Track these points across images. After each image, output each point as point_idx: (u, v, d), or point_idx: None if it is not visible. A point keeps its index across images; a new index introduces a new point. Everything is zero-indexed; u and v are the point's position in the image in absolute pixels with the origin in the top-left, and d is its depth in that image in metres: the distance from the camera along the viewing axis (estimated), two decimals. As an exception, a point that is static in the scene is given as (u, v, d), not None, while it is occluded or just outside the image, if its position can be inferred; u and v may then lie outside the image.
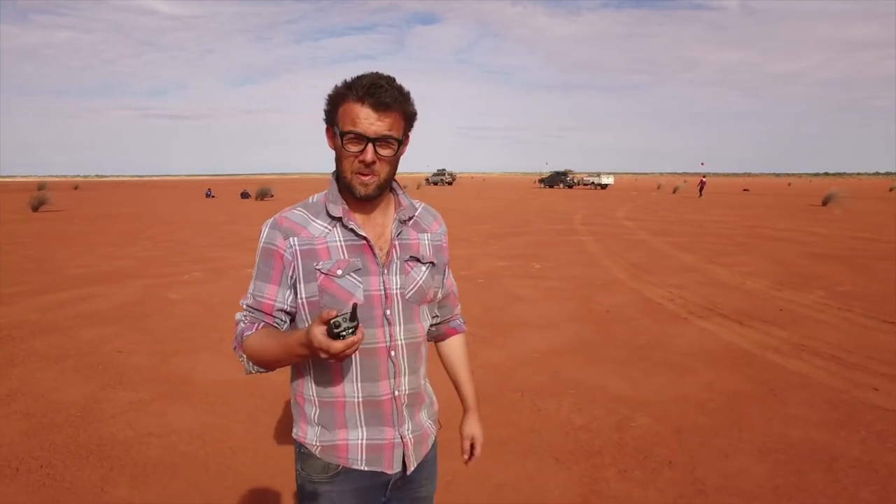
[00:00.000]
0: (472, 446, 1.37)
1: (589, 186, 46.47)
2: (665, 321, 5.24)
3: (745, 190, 47.25)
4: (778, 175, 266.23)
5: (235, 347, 1.15)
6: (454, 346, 1.39)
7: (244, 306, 1.16)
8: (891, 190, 44.70)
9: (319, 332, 0.91)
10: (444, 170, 56.87)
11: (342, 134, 1.07)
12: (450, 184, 55.25)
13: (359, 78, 1.07)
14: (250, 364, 1.12)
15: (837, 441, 2.92)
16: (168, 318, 5.37)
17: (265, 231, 1.15)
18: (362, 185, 1.09)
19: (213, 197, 31.38)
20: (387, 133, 1.07)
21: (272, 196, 29.43)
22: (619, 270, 7.93)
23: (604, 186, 45.43)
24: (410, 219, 1.21)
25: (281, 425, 3.08)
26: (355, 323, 0.90)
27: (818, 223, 15.64)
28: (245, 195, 29.80)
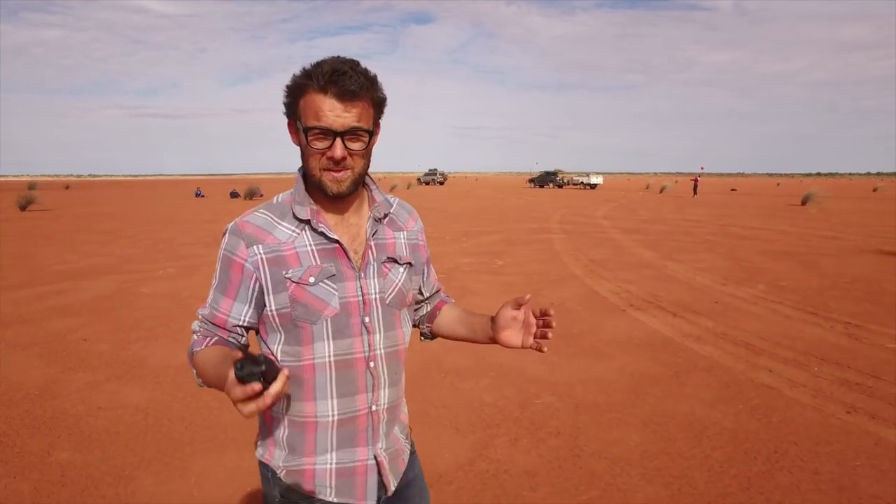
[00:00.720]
0: (544, 314, 1.08)
1: (578, 186, 46.94)
2: (603, 313, 5.59)
3: (732, 190, 47.78)
4: (771, 175, 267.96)
5: (189, 358, 1.06)
6: (449, 308, 1.28)
7: (200, 316, 1.07)
8: (874, 190, 45.35)
9: (230, 377, 0.76)
10: (435, 169, 57.24)
11: (306, 130, 0.97)
12: (441, 183, 55.60)
13: (318, 65, 0.96)
14: (199, 379, 1.02)
15: (714, 414, 3.27)
16: (136, 310, 5.68)
17: (226, 237, 1.04)
18: (334, 182, 0.99)
19: (202, 196, 31.61)
20: (356, 125, 0.96)
21: (261, 195, 29.67)
22: (578, 266, 8.29)
23: (593, 186, 45.88)
24: (386, 216, 1.12)
25: (218, 400, 3.40)
26: (261, 368, 0.74)
27: (788, 222, 16.05)
28: (234, 195, 30.05)
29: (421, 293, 1.23)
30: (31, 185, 35.77)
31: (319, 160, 0.98)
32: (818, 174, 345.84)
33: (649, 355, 4.30)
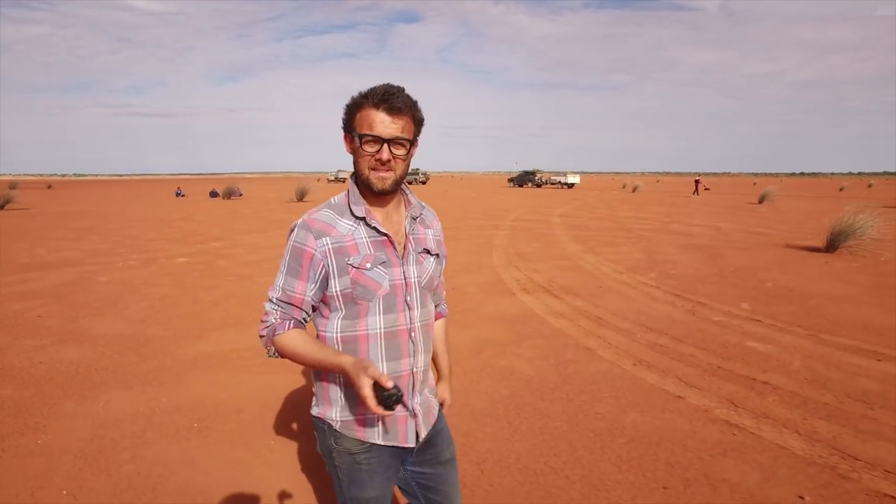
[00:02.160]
0: (442, 405, 1.57)
1: (556, 185, 47.94)
2: (494, 295, 6.49)
3: (706, 189, 49.05)
4: (757, 175, 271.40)
5: (263, 336, 1.31)
6: (437, 327, 1.59)
7: (273, 299, 1.32)
8: (840, 189, 46.76)
9: (368, 387, 1.11)
10: (417, 169, 58.00)
11: (360, 136, 1.23)
12: (423, 183, 56.39)
13: (373, 88, 1.23)
14: (275, 354, 1.31)
15: (526, 365, 4.17)
16: (90, 294, 6.49)
17: (296, 231, 1.30)
18: (380, 180, 1.26)
19: (183, 196, 32.11)
20: (399, 135, 1.23)
21: (241, 195, 30.31)
22: (501, 258, 9.19)
23: (570, 185, 46.91)
24: (419, 216, 1.40)
25: (139, 356, 4.24)
26: (400, 394, 1.11)
27: (731, 219, 17.06)
28: (214, 194, 30.61)
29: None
30: (13, 185, 36.09)
31: (369, 161, 1.25)
32: (801, 174, 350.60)
33: (507, 327, 5.20)
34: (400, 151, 1.25)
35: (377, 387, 1.11)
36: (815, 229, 13.98)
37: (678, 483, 2.63)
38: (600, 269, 8.20)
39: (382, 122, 1.22)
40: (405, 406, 1.29)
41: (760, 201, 26.76)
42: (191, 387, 3.72)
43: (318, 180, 65.00)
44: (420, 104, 1.29)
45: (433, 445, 1.44)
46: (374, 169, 1.26)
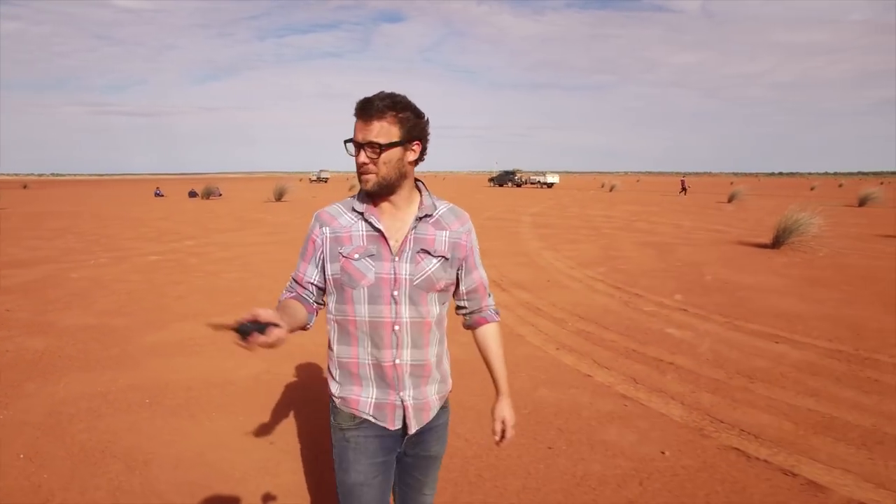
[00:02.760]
0: (504, 428, 1.55)
1: (535, 185, 48.57)
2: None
3: (686, 188, 49.95)
4: (738, 174, 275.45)
5: (277, 305, 1.43)
6: (487, 335, 1.59)
7: (292, 277, 1.48)
8: (811, 189, 47.99)
9: (235, 321, 1.10)
10: (398, 169, 58.43)
11: (346, 143, 1.35)
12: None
13: (362, 98, 1.32)
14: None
15: (459, 350, 4.54)
16: (60, 289, 6.76)
17: (312, 221, 1.45)
18: (363, 181, 1.35)
19: (162, 196, 32.09)
20: (372, 139, 1.30)
21: (220, 195, 30.38)
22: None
23: (549, 185, 47.55)
24: (429, 217, 1.42)
25: (101, 344, 4.56)
26: (250, 327, 1.08)
27: (695, 217, 17.68)
28: (192, 194, 30.65)
29: (459, 287, 1.52)
30: (-12, 185, 35.71)
31: (356, 165, 1.35)
32: (780, 174, 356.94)
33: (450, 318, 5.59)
34: (373, 154, 1.32)
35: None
36: (771, 227, 14.62)
37: (563, 444, 3.05)
38: (554, 265, 8.64)
39: (359, 129, 1.32)
40: (255, 329, 1.09)
41: (730, 200, 27.52)
42: (147, 370, 4.07)
43: (301, 180, 64.78)
44: (403, 101, 1.35)
45: (422, 441, 1.50)
46: (358, 172, 1.36)
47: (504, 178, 50.07)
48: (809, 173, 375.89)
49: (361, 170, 1.34)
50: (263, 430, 3.15)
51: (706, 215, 18.82)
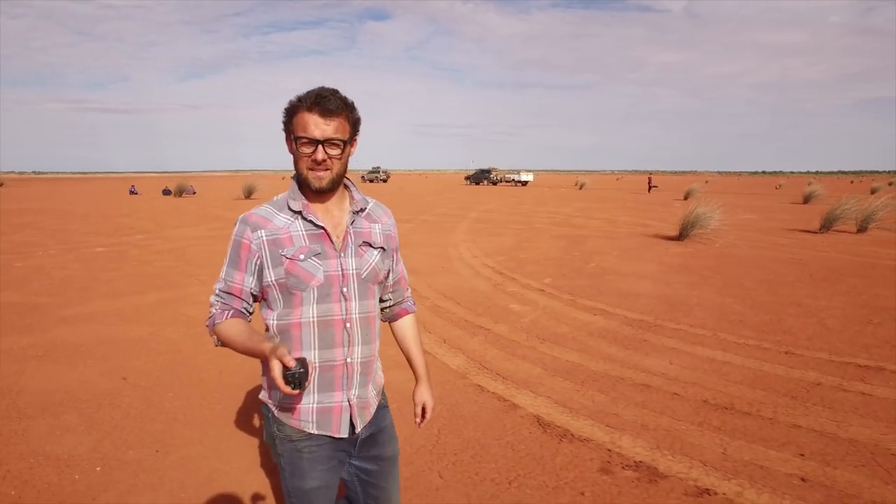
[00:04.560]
0: (424, 411, 1.58)
1: (510, 183, 49.56)
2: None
3: (654, 187, 51.26)
4: (721, 173, 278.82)
5: (208, 327, 1.38)
6: (406, 325, 1.62)
7: (217, 290, 1.39)
8: (777, 187, 49.44)
9: (277, 368, 1.14)
10: (378, 167, 59.29)
11: (296, 138, 1.31)
12: (384, 181, 57.53)
13: (308, 92, 1.30)
14: (219, 343, 1.38)
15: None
16: (1, 276, 7.58)
17: (237, 226, 1.37)
18: (317, 178, 1.33)
19: (136, 193, 32.64)
20: (333, 136, 1.30)
21: (194, 193, 31.02)
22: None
23: (524, 183, 48.60)
24: (362, 210, 1.44)
25: (21, 317, 5.40)
26: (304, 371, 1.15)
27: (637, 214, 18.68)
28: (167, 192, 31.24)
29: (386, 279, 1.53)
30: (-37, 182, 36.01)
31: (306, 162, 1.31)
32: (763, 172, 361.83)
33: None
34: (334, 151, 1.32)
35: (286, 369, 1.15)
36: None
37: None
38: (461, 255, 9.58)
39: (316, 125, 1.29)
40: (304, 385, 1.19)
41: (685, 198, 28.63)
42: (50, 334, 4.93)
43: (283, 178, 65.21)
44: (356, 104, 1.36)
45: (376, 442, 1.49)
46: (311, 169, 1.33)
47: (480, 177, 51.03)
48: (791, 172, 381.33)
49: (318, 167, 1.33)
50: (124, 372, 4.03)
51: (649, 211, 19.85)
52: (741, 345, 4.76)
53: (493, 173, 50.90)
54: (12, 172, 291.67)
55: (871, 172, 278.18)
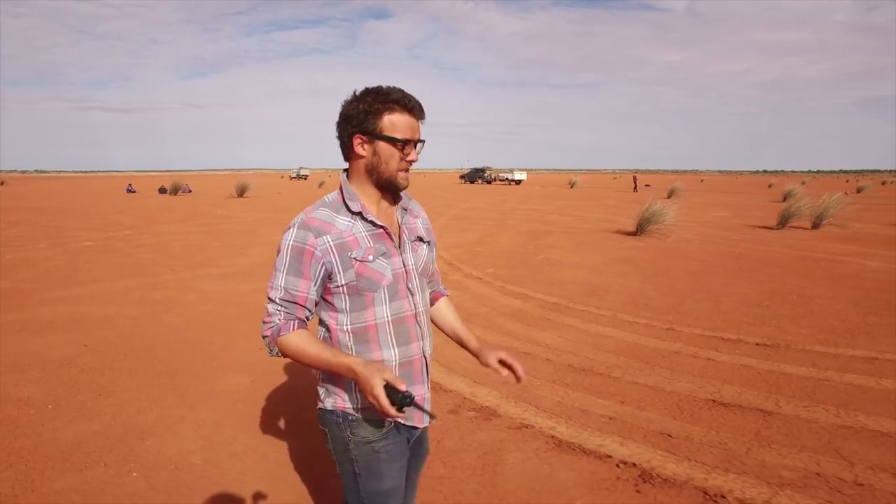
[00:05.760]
0: (507, 363, 1.50)
1: (505, 182, 50.27)
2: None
3: (646, 185, 51.89)
4: (722, 172, 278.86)
5: (266, 336, 1.34)
6: (445, 306, 1.68)
7: (276, 299, 1.34)
8: (769, 186, 49.98)
9: (381, 387, 1.17)
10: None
11: (391, 139, 1.33)
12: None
13: (399, 93, 1.33)
14: (278, 353, 1.35)
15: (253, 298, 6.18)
16: (-8, 266, 8.32)
17: (294, 231, 1.34)
18: (405, 178, 1.39)
19: (133, 192, 33.38)
20: (422, 138, 1.39)
21: (189, 191, 31.76)
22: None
23: (518, 182, 49.28)
24: (406, 208, 1.49)
25: (5, 299, 6.11)
26: (408, 399, 1.17)
27: (609, 211, 19.33)
28: (162, 190, 31.99)
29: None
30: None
31: (399, 163, 1.36)
32: (765, 171, 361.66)
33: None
34: (420, 153, 1.39)
35: (388, 388, 1.17)
36: (677, 219, 16.31)
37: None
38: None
39: (414, 127, 1.35)
40: (418, 407, 1.28)
41: (669, 196, 29.28)
42: (29, 312, 5.64)
43: (282, 177, 65.93)
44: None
45: (422, 438, 1.57)
46: (403, 170, 1.36)
47: (474, 176, 51.76)
48: (793, 171, 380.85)
49: (407, 168, 1.38)
50: (86, 340, 4.74)
51: (626, 209, 20.42)
52: (632, 323, 5.44)
53: (488, 172, 51.62)
54: (14, 171, 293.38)
55: (873, 171, 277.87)
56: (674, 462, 2.88)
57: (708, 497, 2.58)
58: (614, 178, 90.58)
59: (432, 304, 1.65)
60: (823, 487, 2.65)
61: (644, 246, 10.73)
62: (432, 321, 1.63)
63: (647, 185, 51.31)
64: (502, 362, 1.51)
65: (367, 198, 1.41)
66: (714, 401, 3.64)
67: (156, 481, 2.65)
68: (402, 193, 1.48)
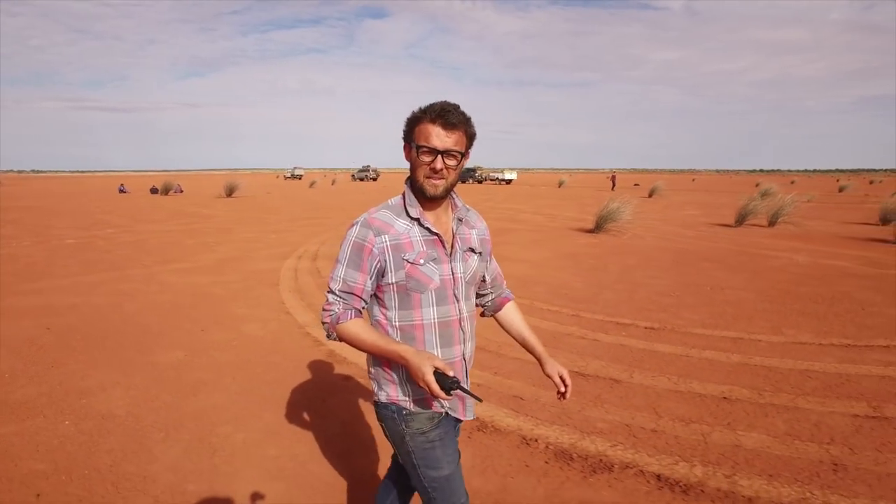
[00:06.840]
0: (563, 380, 1.64)
1: (495, 181, 50.85)
2: (261, 260, 9.13)
3: (635, 185, 52.46)
4: (719, 171, 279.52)
5: (326, 323, 1.48)
6: (512, 311, 1.79)
7: (336, 290, 1.48)
8: (756, 185, 50.57)
9: (431, 373, 1.31)
10: (368, 166, 60.65)
11: (418, 147, 1.42)
12: (374, 179, 58.85)
13: (432, 105, 1.42)
14: (335, 338, 1.49)
15: (217, 289, 6.80)
16: (-24, 261, 8.93)
17: (357, 229, 1.48)
18: (432, 186, 1.45)
19: (125, 192, 33.88)
20: (452, 147, 1.42)
21: (181, 191, 32.30)
22: (321, 237, 11.84)
23: (508, 181, 49.87)
24: (462, 218, 1.57)
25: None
26: (455, 383, 1.33)
27: (581, 210, 19.81)
28: (154, 190, 32.47)
29: (484, 278, 1.71)
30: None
31: (424, 170, 1.44)
32: (762, 171, 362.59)
33: (255, 277, 7.83)
34: (451, 162, 1.44)
35: (437, 374, 1.32)
36: (654, 218, 16.92)
37: (211, 324, 5.29)
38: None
39: (438, 136, 1.41)
40: (465, 391, 1.43)
41: (650, 195, 29.92)
42: (5, 301, 6.25)
43: (277, 177, 66.46)
44: (470, 117, 1.48)
45: (459, 428, 1.67)
46: (428, 177, 1.45)
47: (465, 175, 52.25)
48: (789, 170, 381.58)
49: (434, 176, 1.44)
50: (49, 324, 5.35)
51: (596, 208, 21.06)
52: (543, 310, 6.05)
53: (479, 172, 52.18)
54: (11, 171, 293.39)
55: (869, 171, 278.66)
56: (512, 417, 3.51)
57: (524, 441, 3.22)
58: (607, 177, 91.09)
59: (499, 308, 1.80)
60: (625, 433, 3.29)
61: (597, 243, 11.34)
62: (500, 325, 1.82)
63: (635, 185, 51.91)
64: (562, 378, 1.66)
65: (425, 204, 1.52)
66: (578, 372, 4.26)
67: (83, 427, 3.28)
68: (459, 204, 1.60)
